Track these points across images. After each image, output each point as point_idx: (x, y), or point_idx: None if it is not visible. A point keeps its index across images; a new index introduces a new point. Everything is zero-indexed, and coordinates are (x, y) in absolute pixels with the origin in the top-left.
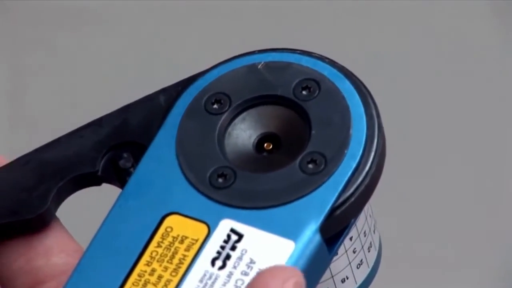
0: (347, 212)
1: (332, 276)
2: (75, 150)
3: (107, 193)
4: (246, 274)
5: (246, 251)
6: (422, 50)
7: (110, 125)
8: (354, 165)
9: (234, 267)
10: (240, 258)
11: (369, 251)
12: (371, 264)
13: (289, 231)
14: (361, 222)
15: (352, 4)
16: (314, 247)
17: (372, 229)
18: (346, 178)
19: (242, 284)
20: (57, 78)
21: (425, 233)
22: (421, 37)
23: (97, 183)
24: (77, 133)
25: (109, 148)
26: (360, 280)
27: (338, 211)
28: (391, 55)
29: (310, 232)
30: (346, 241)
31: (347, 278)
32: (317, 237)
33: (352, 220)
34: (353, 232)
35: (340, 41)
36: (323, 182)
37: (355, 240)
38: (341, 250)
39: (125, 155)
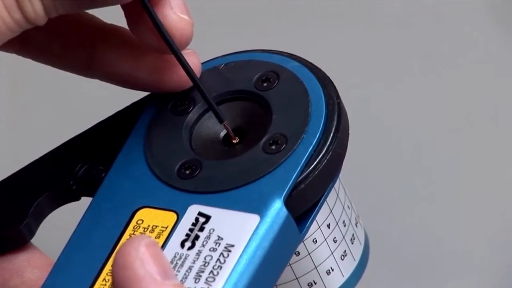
0: (312, 187)
1: (316, 267)
2: (51, 168)
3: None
4: (214, 250)
5: (214, 230)
6: (422, 50)
7: (83, 140)
8: (314, 141)
9: (203, 245)
10: (208, 237)
11: (352, 243)
12: (357, 258)
13: (253, 206)
14: (338, 210)
15: (350, 4)
16: (280, 221)
17: (354, 222)
18: (307, 153)
19: (211, 259)
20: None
21: (425, 232)
22: (421, 37)
23: (75, 197)
24: (54, 152)
25: (84, 163)
26: (347, 273)
27: (303, 185)
28: (391, 55)
29: (275, 206)
30: (324, 228)
31: (332, 270)
32: (283, 211)
33: (322, 199)
34: (330, 219)
35: (339, 40)
36: (285, 159)
37: (334, 229)
38: (320, 237)
39: (99, 167)
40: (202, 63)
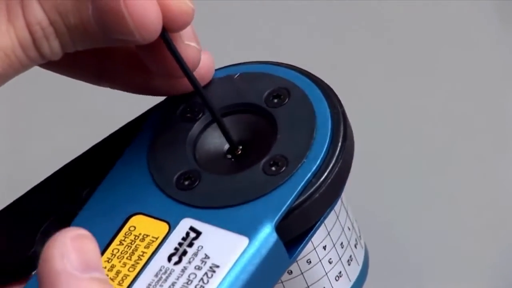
0: (307, 213)
1: (308, 286)
2: (56, 191)
3: None
4: (199, 268)
5: (202, 247)
6: (424, 49)
7: (85, 160)
8: (314, 168)
9: (189, 262)
10: (195, 254)
11: (349, 265)
12: (353, 279)
13: (244, 228)
14: (337, 232)
15: (353, 2)
16: (269, 245)
17: (353, 243)
18: (305, 180)
19: (195, 277)
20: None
21: (425, 232)
22: (422, 36)
23: None
24: (54, 175)
25: (87, 184)
26: None
27: (297, 211)
28: (392, 54)
29: (265, 230)
30: (320, 250)
31: None
32: (273, 236)
33: (317, 225)
34: (326, 241)
35: (339, 40)
36: (283, 183)
37: (330, 250)
38: (314, 258)
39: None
40: (216, 70)
